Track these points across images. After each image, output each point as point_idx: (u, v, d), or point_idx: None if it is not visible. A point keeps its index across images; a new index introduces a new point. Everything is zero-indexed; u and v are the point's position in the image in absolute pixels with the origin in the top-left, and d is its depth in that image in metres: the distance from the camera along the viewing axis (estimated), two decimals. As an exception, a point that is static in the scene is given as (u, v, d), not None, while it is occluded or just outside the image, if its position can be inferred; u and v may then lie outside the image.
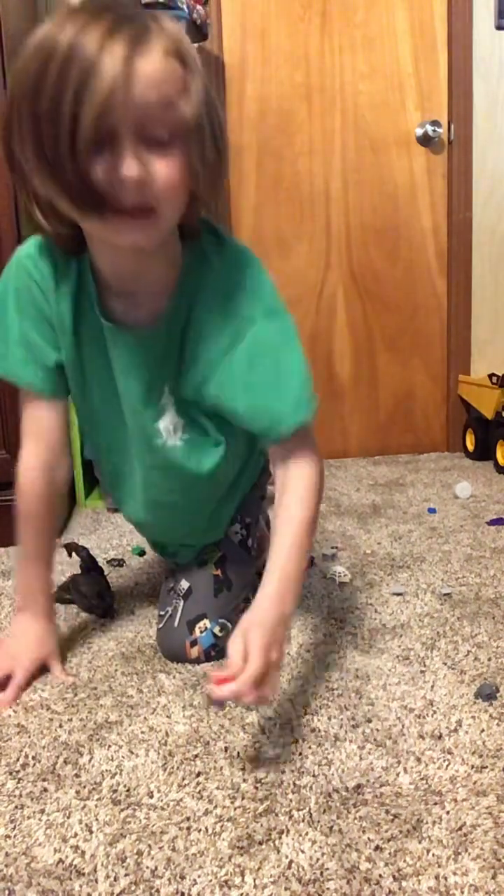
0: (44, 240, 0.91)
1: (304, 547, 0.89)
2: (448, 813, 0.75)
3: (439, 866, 0.68)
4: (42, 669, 1.05)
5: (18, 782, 0.83)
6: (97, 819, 0.76)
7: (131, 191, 0.74)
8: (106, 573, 1.43)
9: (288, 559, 0.86)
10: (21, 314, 0.93)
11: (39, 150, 0.73)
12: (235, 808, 0.77)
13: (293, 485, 0.90)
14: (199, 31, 1.99)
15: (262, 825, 0.74)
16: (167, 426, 0.96)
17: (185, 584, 1.12)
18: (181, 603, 1.10)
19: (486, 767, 0.82)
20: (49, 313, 0.93)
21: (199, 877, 0.68)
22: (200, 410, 0.96)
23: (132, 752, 0.87)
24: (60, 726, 0.93)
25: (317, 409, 0.90)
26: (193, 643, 1.06)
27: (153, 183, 0.75)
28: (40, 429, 0.98)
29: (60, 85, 0.69)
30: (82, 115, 0.69)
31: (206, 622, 1.07)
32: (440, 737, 0.88)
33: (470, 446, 2.41)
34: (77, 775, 0.83)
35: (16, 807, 0.79)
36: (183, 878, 0.68)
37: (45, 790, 0.81)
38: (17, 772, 0.84)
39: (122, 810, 0.77)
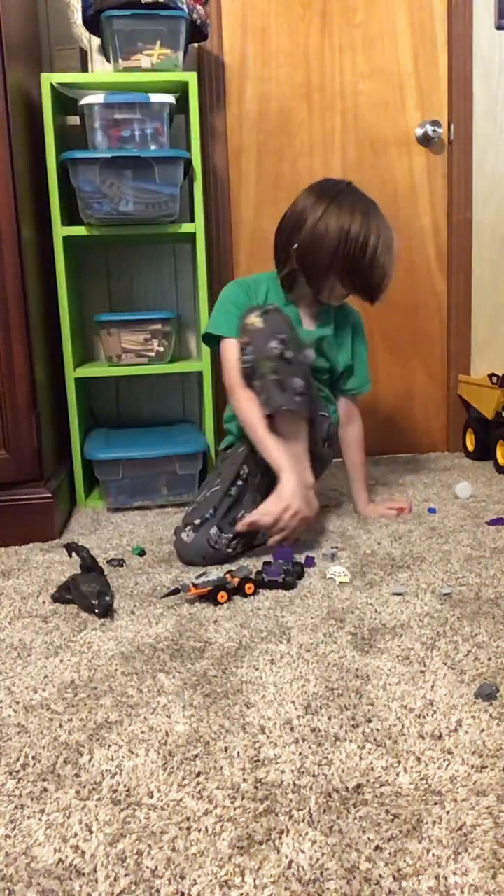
0: (276, 278, 1.70)
1: (364, 453, 1.83)
2: (448, 813, 0.75)
3: (439, 866, 0.68)
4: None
5: (18, 782, 0.83)
6: (97, 819, 0.76)
7: None
8: (106, 573, 1.43)
9: (362, 464, 1.82)
10: (236, 301, 1.66)
11: (350, 276, 1.60)
12: (235, 808, 0.77)
13: (353, 426, 1.81)
14: (199, 31, 1.99)
15: (262, 825, 0.74)
16: None
17: None
18: None
19: (486, 767, 0.82)
20: (250, 300, 1.67)
21: (199, 877, 0.68)
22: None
23: (132, 752, 0.87)
24: (60, 726, 0.93)
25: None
26: None
27: None
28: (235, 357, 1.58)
29: (369, 254, 1.57)
30: (379, 269, 1.60)
31: None
32: (440, 737, 0.88)
33: (470, 446, 2.41)
34: (77, 775, 0.84)
35: (16, 807, 0.79)
36: (183, 878, 0.68)
37: (45, 790, 0.81)
38: (17, 772, 0.85)
39: (122, 810, 0.77)
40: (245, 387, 1.54)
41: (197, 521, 1.50)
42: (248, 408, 1.54)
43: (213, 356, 2.32)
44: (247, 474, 1.58)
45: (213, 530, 1.49)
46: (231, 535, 1.50)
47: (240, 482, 1.57)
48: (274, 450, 1.51)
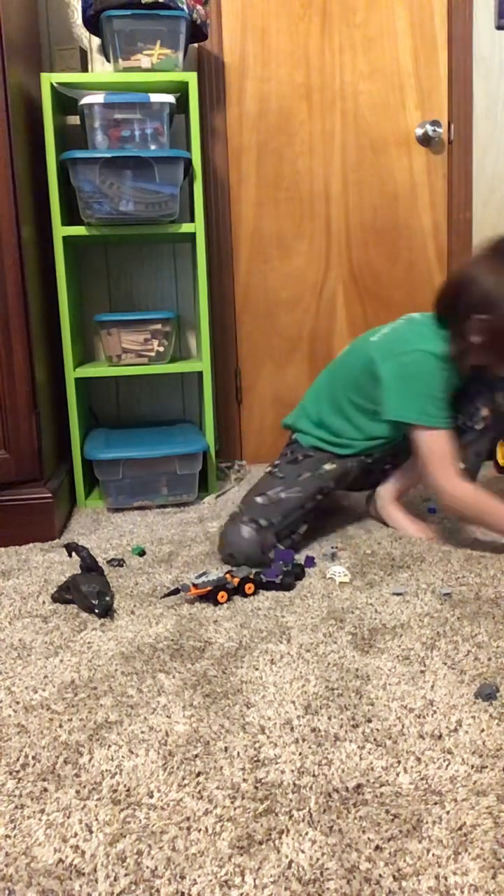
0: (442, 354, 1.49)
1: None
2: (448, 813, 0.75)
3: (439, 866, 0.68)
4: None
5: (18, 782, 0.83)
6: (97, 819, 0.76)
7: None
8: (106, 573, 1.43)
9: None
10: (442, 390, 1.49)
11: None
12: (235, 808, 0.77)
13: None
14: (199, 30, 1.99)
15: (262, 825, 0.74)
16: None
17: None
18: None
19: (486, 767, 0.82)
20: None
21: (199, 877, 0.68)
22: None
23: (132, 752, 0.87)
24: (60, 726, 0.93)
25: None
26: None
27: None
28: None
29: None
30: None
31: None
32: (440, 737, 0.88)
33: (470, 446, 2.40)
34: (77, 775, 0.84)
35: (16, 807, 0.79)
36: (183, 878, 0.68)
37: (45, 790, 0.81)
38: (17, 772, 0.85)
39: (122, 810, 0.77)
40: (460, 474, 1.48)
41: (263, 523, 1.48)
42: (477, 496, 1.46)
43: (215, 361, 2.33)
44: (329, 491, 1.59)
45: (272, 538, 1.48)
46: (287, 544, 1.51)
47: (319, 497, 1.57)
48: None
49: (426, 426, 1.47)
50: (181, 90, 1.95)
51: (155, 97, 1.86)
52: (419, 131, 2.36)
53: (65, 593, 1.32)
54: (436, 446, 1.47)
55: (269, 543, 1.47)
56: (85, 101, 1.85)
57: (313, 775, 0.82)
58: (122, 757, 0.86)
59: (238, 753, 0.86)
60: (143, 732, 0.91)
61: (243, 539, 1.46)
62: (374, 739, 0.88)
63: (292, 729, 0.91)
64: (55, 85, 1.88)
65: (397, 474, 1.70)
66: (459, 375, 1.52)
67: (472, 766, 0.83)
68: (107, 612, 1.25)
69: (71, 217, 1.98)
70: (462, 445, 1.56)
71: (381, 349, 1.54)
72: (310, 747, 0.87)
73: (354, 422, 1.59)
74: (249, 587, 1.32)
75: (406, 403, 1.48)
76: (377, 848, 0.71)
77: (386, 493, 1.69)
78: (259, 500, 1.52)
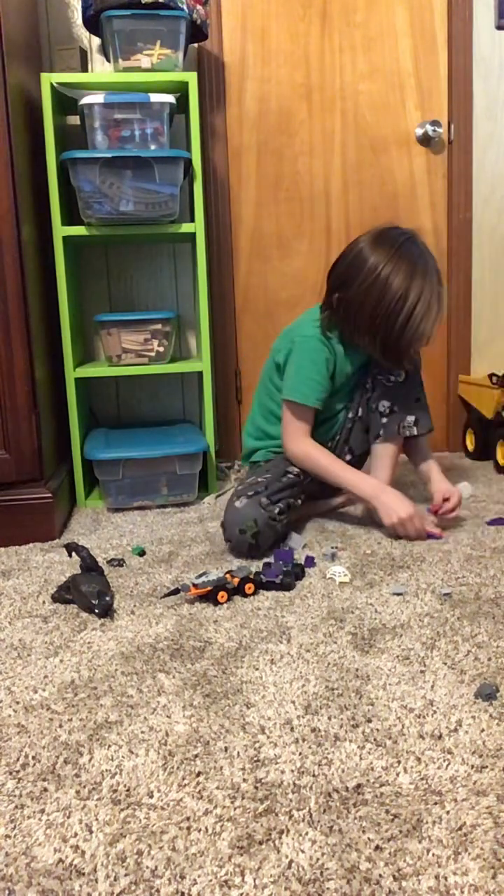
0: (323, 332, 1.68)
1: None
2: (448, 813, 0.75)
3: (439, 866, 0.68)
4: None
5: (18, 782, 0.83)
6: (97, 819, 0.76)
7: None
8: (106, 573, 1.43)
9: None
10: (326, 371, 1.67)
11: (376, 332, 1.60)
12: (235, 808, 0.77)
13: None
14: (199, 31, 1.99)
15: (262, 825, 0.74)
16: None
17: None
18: None
19: (486, 767, 0.82)
20: (331, 365, 1.69)
21: (199, 877, 0.68)
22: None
23: (132, 752, 0.87)
24: (60, 726, 0.93)
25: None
26: None
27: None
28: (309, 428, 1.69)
29: (411, 315, 1.56)
30: (419, 335, 1.60)
31: None
32: (440, 737, 0.88)
33: (470, 446, 2.41)
34: (77, 775, 0.84)
35: (16, 807, 0.79)
36: (183, 878, 0.68)
37: (45, 790, 0.81)
38: (17, 772, 0.85)
39: (122, 810, 0.77)
40: (309, 439, 1.67)
41: (250, 493, 1.57)
42: (316, 456, 1.65)
43: (215, 361, 2.33)
44: (298, 472, 1.67)
45: (264, 499, 1.56)
46: (283, 506, 1.58)
47: (290, 475, 1.65)
48: (361, 479, 1.64)
49: (293, 401, 1.66)
50: (181, 90, 1.95)
51: (155, 97, 1.86)
52: (419, 131, 2.36)
53: (65, 593, 1.32)
54: (295, 418, 1.67)
55: (265, 503, 1.54)
56: (85, 101, 1.85)
57: (313, 775, 0.82)
58: (122, 757, 0.86)
59: (238, 753, 0.86)
60: (143, 732, 0.91)
61: (239, 510, 1.54)
62: (374, 739, 0.88)
63: (292, 729, 0.91)
64: (55, 85, 1.88)
65: (372, 473, 1.73)
66: (360, 351, 1.69)
67: (472, 766, 0.83)
68: (107, 612, 1.25)
69: (71, 217, 1.98)
70: (401, 401, 1.72)
71: (278, 345, 1.74)
72: (310, 747, 0.87)
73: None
74: (249, 587, 1.32)
75: (287, 382, 1.67)
76: (377, 848, 0.71)
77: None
78: (240, 487, 1.64)
